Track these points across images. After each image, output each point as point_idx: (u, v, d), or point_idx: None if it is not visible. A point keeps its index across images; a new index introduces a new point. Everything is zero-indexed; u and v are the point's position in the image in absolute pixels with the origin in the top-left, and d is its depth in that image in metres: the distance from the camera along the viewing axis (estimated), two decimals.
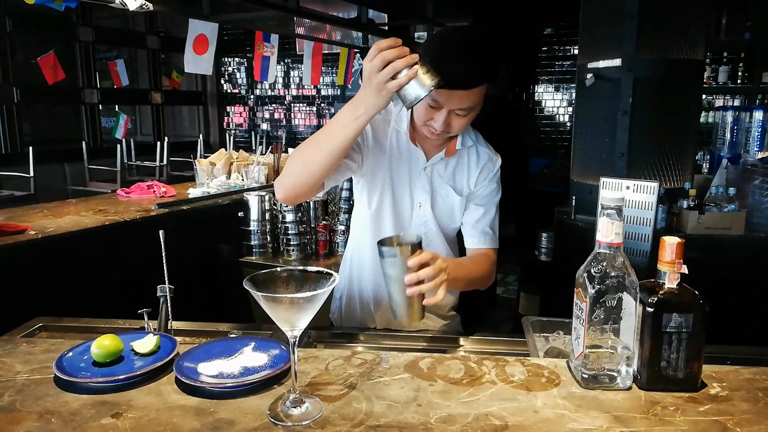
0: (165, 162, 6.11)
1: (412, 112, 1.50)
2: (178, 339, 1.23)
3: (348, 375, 1.07)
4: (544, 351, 1.37)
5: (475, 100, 1.36)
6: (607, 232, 0.98)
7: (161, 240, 1.36)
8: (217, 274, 3.03)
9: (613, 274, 0.98)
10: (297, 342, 0.95)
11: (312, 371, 1.08)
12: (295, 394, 0.95)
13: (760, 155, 3.53)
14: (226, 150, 4.09)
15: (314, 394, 1.00)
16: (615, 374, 1.01)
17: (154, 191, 3.20)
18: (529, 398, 0.98)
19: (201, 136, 7.10)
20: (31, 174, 4.98)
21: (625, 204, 2.92)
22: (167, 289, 1.35)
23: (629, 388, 1.01)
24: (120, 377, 1.02)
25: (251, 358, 1.09)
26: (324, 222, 2.79)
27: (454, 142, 1.53)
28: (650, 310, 0.98)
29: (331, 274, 0.96)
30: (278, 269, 0.97)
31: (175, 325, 1.40)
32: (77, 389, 1.01)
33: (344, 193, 2.83)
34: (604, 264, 0.98)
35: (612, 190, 2.93)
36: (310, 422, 0.91)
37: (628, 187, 2.86)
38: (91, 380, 1.02)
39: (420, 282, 1.20)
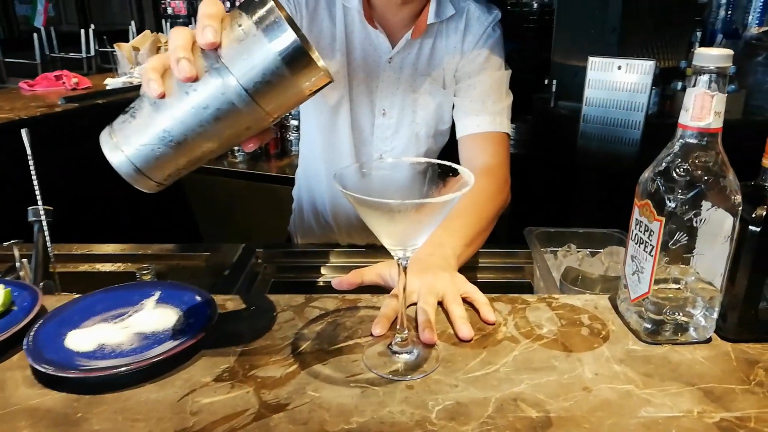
0: (92, 53, 5.39)
1: None
2: (61, 285, 0.87)
3: (298, 337, 0.73)
4: (560, 274, 1.05)
5: None
6: (703, 110, 0.61)
7: (26, 142, 0.95)
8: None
9: (705, 178, 0.63)
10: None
11: (246, 333, 0.73)
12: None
13: (755, 29, 3.18)
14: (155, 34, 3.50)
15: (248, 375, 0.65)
16: (689, 321, 0.70)
17: (64, 83, 2.67)
18: (571, 364, 0.66)
19: (133, 23, 6.30)
20: None
21: (617, 86, 2.64)
22: (41, 212, 0.96)
23: (709, 340, 0.71)
24: None
25: (151, 318, 0.72)
26: None
27: (425, 14, 1.08)
28: (755, 229, 0.65)
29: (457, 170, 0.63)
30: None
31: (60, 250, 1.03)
32: None
33: None
34: (696, 161, 0.63)
35: (603, 71, 2.61)
36: None
37: (619, 67, 2.62)
38: None
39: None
